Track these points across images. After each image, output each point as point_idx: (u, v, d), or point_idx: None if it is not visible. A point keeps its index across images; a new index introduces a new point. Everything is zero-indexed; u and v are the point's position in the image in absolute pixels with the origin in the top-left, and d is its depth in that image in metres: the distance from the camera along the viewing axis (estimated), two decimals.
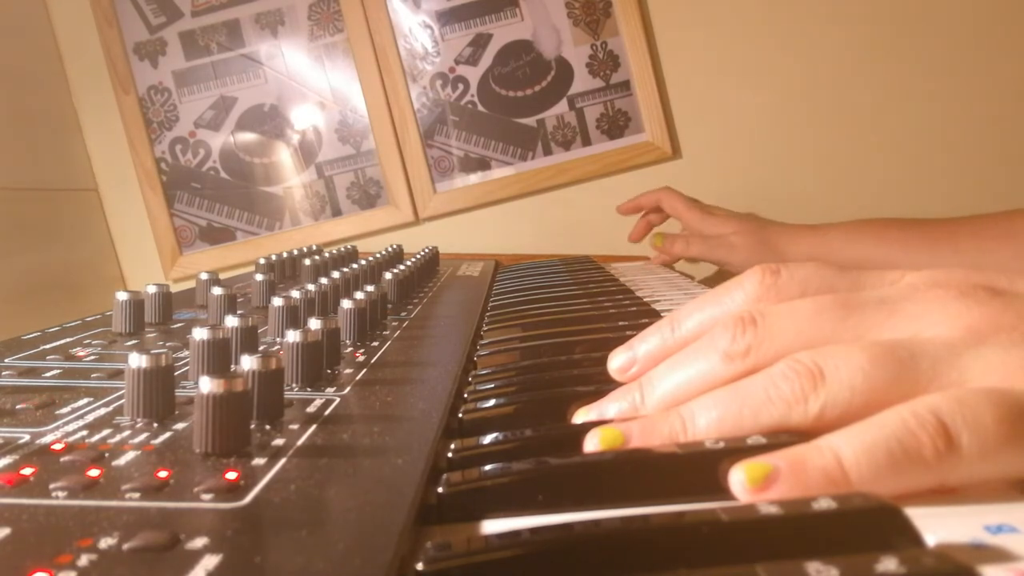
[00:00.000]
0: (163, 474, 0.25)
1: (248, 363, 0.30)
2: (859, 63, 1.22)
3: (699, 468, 0.25)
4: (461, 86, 1.25)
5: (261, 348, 0.43)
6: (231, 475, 0.24)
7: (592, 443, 0.27)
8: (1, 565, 0.19)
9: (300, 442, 0.28)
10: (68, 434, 0.29)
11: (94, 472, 0.25)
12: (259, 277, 0.62)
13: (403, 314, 0.58)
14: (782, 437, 0.25)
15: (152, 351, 0.30)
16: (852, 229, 0.85)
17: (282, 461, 0.26)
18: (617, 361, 0.34)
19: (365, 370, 0.40)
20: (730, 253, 0.90)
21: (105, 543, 0.20)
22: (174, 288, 0.57)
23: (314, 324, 0.37)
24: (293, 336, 0.36)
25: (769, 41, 1.23)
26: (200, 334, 0.36)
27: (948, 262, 0.76)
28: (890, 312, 0.28)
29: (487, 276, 0.87)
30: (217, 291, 0.52)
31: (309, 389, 0.36)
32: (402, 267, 0.67)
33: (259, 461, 0.26)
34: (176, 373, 0.33)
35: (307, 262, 0.74)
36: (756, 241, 0.89)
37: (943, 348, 0.25)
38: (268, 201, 1.27)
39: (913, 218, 0.84)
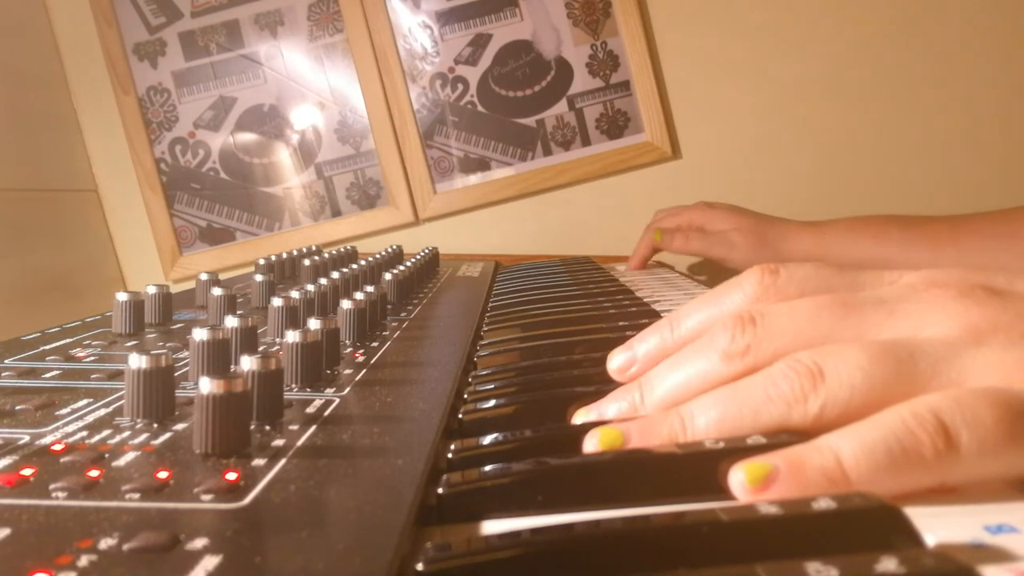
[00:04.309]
0: (163, 475, 0.25)
1: (248, 364, 0.30)
2: (859, 63, 1.22)
3: (699, 468, 0.25)
4: (461, 86, 1.25)
5: (261, 348, 0.43)
6: (231, 476, 0.24)
7: (591, 443, 0.27)
8: (1, 565, 0.19)
9: (300, 443, 0.28)
10: (68, 435, 0.29)
11: (94, 473, 0.25)
12: (259, 277, 0.62)
13: (403, 314, 0.58)
14: (782, 437, 0.25)
15: (152, 352, 0.30)
16: (852, 226, 0.85)
17: (282, 462, 0.26)
18: (616, 361, 0.34)
19: (365, 371, 0.40)
20: (730, 250, 0.90)
21: (105, 544, 0.20)
22: (174, 289, 0.57)
23: (314, 324, 0.37)
24: (293, 336, 0.36)
25: (769, 41, 1.23)
26: (200, 335, 0.36)
27: (950, 261, 0.76)
28: (889, 312, 0.28)
29: (487, 277, 0.87)
30: (217, 291, 0.52)
31: (309, 390, 0.36)
32: (402, 267, 0.67)
33: (259, 462, 0.26)
34: (176, 374, 0.33)
35: (307, 263, 0.74)
36: (756, 238, 0.89)
37: (942, 348, 0.25)
38: (268, 202, 1.27)
39: (914, 215, 0.84)
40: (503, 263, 1.09)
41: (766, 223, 0.90)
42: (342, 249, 0.89)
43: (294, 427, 0.30)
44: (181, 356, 0.42)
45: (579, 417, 0.31)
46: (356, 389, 0.36)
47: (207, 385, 0.26)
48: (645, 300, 0.63)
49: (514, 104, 1.25)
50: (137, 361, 0.30)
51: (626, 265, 1.03)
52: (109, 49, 1.24)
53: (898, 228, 0.82)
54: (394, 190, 1.25)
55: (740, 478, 0.23)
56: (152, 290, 0.52)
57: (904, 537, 0.20)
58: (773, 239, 0.88)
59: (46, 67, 1.21)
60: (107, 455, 0.27)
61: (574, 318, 0.57)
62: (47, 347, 0.45)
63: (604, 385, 0.33)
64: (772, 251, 0.87)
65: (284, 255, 0.83)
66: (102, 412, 0.32)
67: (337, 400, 0.34)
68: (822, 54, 1.22)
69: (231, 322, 0.39)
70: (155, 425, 0.30)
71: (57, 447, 0.27)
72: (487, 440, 0.29)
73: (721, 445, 0.25)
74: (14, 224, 1.03)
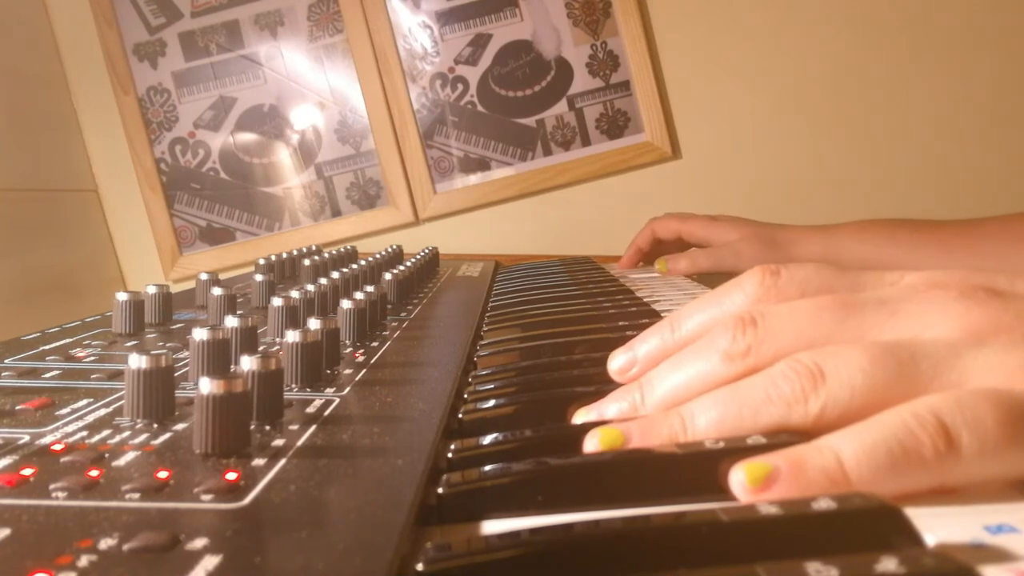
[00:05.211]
0: (163, 475, 0.25)
1: (248, 363, 0.30)
2: (859, 64, 1.22)
3: (699, 468, 0.25)
4: (461, 86, 1.25)
5: (261, 348, 0.43)
6: (231, 476, 0.24)
7: (592, 443, 0.27)
8: (1, 566, 0.19)
9: (300, 443, 0.28)
10: (68, 435, 0.29)
11: (94, 473, 0.25)
12: (259, 277, 0.62)
13: (403, 314, 0.58)
14: (782, 437, 0.25)
15: (152, 352, 0.30)
16: (862, 229, 0.84)
17: (282, 462, 0.26)
18: (617, 362, 0.34)
19: (365, 370, 0.40)
20: (739, 260, 0.88)
21: (105, 544, 0.20)
22: (174, 288, 0.57)
23: (313, 324, 0.37)
24: (292, 336, 0.36)
25: (769, 41, 1.23)
26: (200, 335, 0.36)
27: (962, 265, 0.75)
28: (890, 313, 0.28)
29: (487, 276, 0.87)
30: (217, 291, 0.52)
31: (309, 390, 0.36)
32: (402, 267, 0.67)
33: (259, 462, 0.26)
34: (176, 374, 0.33)
35: (307, 262, 0.74)
36: (764, 245, 0.88)
37: (943, 349, 0.25)
38: (268, 202, 1.27)
39: (923, 219, 0.83)
40: (503, 263, 1.09)
41: (773, 230, 0.89)
42: (342, 249, 0.89)
43: (294, 427, 0.30)
44: (181, 356, 0.42)
45: (579, 417, 0.31)
46: (356, 389, 0.36)
47: (207, 385, 0.26)
48: (645, 300, 0.63)
49: (514, 104, 1.25)
50: (137, 361, 0.30)
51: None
52: (109, 49, 1.24)
53: (908, 231, 0.81)
54: (394, 190, 1.25)
55: (741, 478, 0.23)
56: (152, 290, 0.52)
57: (904, 537, 0.20)
58: (782, 244, 0.87)
59: (46, 67, 1.21)
60: (107, 455, 0.26)
61: (574, 318, 0.57)
62: (47, 347, 0.45)
63: (604, 385, 0.33)
64: (782, 256, 0.86)
65: (284, 255, 0.83)
66: (102, 412, 0.32)
67: (337, 400, 0.34)
68: (822, 54, 1.22)
69: (231, 322, 0.39)
70: (155, 425, 0.30)
71: (57, 447, 0.27)
72: (487, 440, 0.29)
73: (721, 445, 0.25)
74: (14, 224, 1.03)
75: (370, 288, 0.51)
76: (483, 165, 1.25)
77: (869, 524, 0.20)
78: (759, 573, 0.18)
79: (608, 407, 0.31)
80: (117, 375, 0.38)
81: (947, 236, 0.78)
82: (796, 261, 0.88)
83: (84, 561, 0.19)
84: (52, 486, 0.23)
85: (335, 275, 0.59)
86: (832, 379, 0.25)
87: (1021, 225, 0.75)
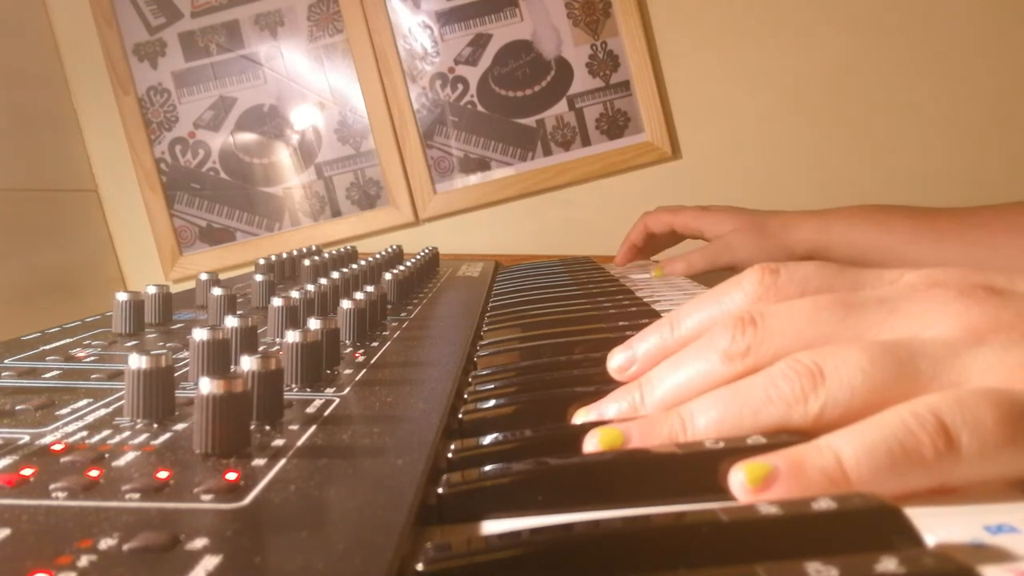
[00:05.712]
0: (163, 475, 0.25)
1: (248, 364, 0.30)
2: (859, 63, 1.22)
3: (699, 468, 0.25)
4: (461, 86, 1.25)
5: (261, 348, 0.43)
6: (231, 476, 0.24)
7: (592, 443, 0.27)
8: (1, 566, 0.19)
9: (300, 443, 0.28)
10: (68, 435, 0.29)
11: (94, 473, 0.25)
12: (259, 277, 0.62)
13: (403, 314, 0.58)
14: (782, 437, 0.25)
15: (152, 352, 0.30)
16: (855, 214, 0.84)
17: (282, 462, 0.26)
18: (616, 360, 0.34)
19: (365, 370, 0.40)
20: (732, 254, 0.88)
21: (105, 544, 0.20)
22: (174, 289, 0.57)
23: (313, 324, 0.37)
24: (292, 336, 0.36)
25: (769, 41, 1.23)
26: (200, 335, 0.36)
27: (954, 253, 0.75)
28: (890, 312, 0.28)
29: (487, 276, 0.87)
30: (217, 291, 0.52)
31: (309, 390, 0.36)
32: (402, 267, 0.67)
33: (259, 462, 0.26)
34: (176, 374, 0.33)
35: (307, 263, 0.74)
36: (756, 234, 0.87)
37: (943, 348, 0.25)
38: (268, 202, 1.27)
39: (918, 207, 0.83)
40: (503, 263, 1.09)
41: (765, 217, 0.89)
42: (342, 249, 0.89)
43: (294, 427, 0.30)
44: (181, 356, 0.42)
45: (579, 417, 0.31)
46: (356, 389, 0.36)
47: (207, 385, 0.26)
48: (645, 300, 0.63)
49: (514, 104, 1.25)
50: (137, 361, 0.30)
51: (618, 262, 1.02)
52: (109, 49, 1.24)
53: (902, 218, 0.81)
54: (394, 190, 1.25)
55: (740, 478, 0.23)
56: (152, 290, 0.52)
57: (904, 537, 0.20)
58: (774, 231, 0.87)
59: (46, 67, 1.21)
60: (107, 455, 0.26)
61: (574, 318, 0.57)
62: (47, 347, 0.45)
63: (604, 385, 0.33)
64: (775, 243, 0.86)
65: (284, 255, 0.83)
66: (102, 412, 0.32)
67: (337, 400, 0.34)
68: (822, 54, 1.22)
69: (231, 322, 0.39)
70: (155, 425, 0.30)
71: (57, 447, 0.27)
72: (487, 440, 0.29)
73: (721, 445, 0.25)
74: (14, 224, 1.03)
75: (370, 288, 0.51)
76: (483, 165, 1.25)
77: (869, 524, 0.20)
78: (759, 573, 0.18)
79: (608, 407, 0.31)
80: (117, 375, 0.38)
81: (940, 224, 0.78)
82: (790, 247, 0.88)
83: (84, 561, 0.19)
84: (52, 486, 0.23)
85: (335, 275, 0.59)
86: (832, 379, 0.25)
87: (1014, 214, 0.75)
